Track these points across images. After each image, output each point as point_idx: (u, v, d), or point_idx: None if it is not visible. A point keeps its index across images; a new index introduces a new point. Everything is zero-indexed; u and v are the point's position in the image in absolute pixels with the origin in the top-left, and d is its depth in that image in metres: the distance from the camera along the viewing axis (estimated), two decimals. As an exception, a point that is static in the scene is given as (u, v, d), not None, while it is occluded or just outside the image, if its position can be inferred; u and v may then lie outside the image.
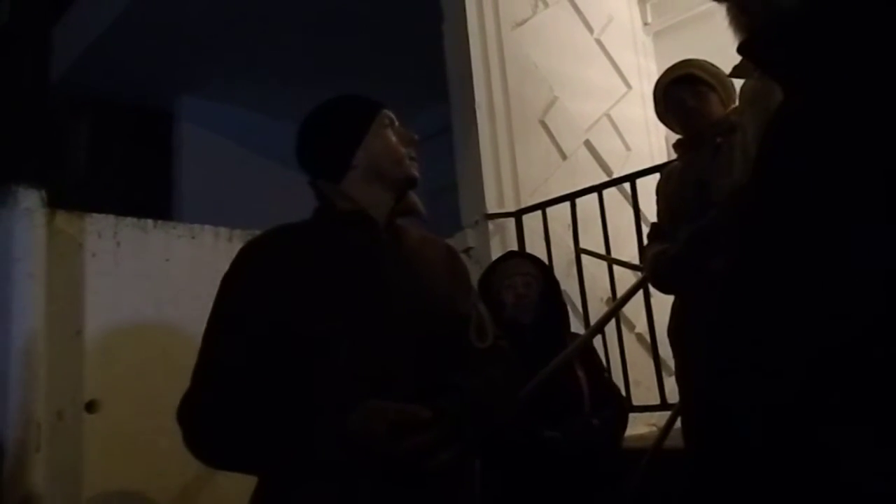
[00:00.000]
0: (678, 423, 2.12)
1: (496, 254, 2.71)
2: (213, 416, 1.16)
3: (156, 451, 2.25)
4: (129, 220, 2.34)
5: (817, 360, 0.63)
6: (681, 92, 1.99)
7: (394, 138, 1.30)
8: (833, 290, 0.61)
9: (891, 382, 0.61)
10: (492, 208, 3.08)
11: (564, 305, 2.22)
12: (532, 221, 3.03)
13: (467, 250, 3.05)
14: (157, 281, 2.35)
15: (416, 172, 1.30)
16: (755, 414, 0.69)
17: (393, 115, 1.34)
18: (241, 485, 1.28)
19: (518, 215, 3.07)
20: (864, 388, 0.62)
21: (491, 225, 3.06)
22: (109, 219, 2.30)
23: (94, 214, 2.28)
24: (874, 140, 0.60)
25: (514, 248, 2.96)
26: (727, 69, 1.91)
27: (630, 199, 2.80)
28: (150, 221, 2.38)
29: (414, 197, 1.33)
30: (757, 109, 1.65)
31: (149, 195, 5.29)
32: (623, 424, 2.06)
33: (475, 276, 2.50)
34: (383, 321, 1.16)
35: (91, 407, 2.16)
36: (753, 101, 1.71)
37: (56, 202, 2.19)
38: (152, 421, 2.27)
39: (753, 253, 0.69)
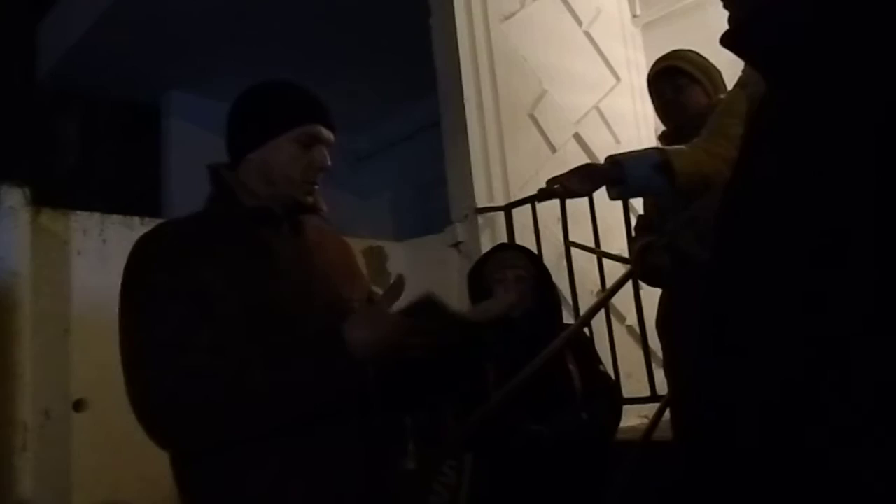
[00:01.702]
0: (667, 415, 2.13)
1: (486, 248, 2.71)
2: (197, 386, 1.04)
3: (146, 450, 2.24)
4: (116, 217, 2.32)
5: (803, 357, 0.63)
6: (661, 84, 1.98)
7: (300, 157, 1.20)
8: (814, 287, 0.61)
9: (878, 376, 0.61)
10: (481, 202, 3.08)
11: (558, 297, 2.22)
12: (522, 215, 3.03)
13: (457, 244, 3.05)
14: (144, 278, 2.33)
15: (307, 199, 1.22)
16: (745, 412, 0.69)
17: (323, 134, 1.22)
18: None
19: (508, 209, 3.06)
20: (853, 382, 0.62)
21: (480, 219, 3.05)
22: (95, 216, 2.28)
23: (80, 212, 2.26)
24: (852, 134, 0.60)
25: (505, 241, 2.95)
26: (717, 60, 1.91)
27: (619, 192, 2.80)
28: (136, 218, 2.37)
29: (318, 200, 1.25)
30: (748, 91, 1.64)
31: (138, 191, 5.25)
32: (616, 417, 2.06)
33: (465, 270, 2.49)
34: (274, 303, 1.14)
35: (78, 406, 2.14)
36: (745, 83, 1.70)
37: (41, 200, 2.17)
38: (129, 428, 2.26)
39: (735, 249, 0.69)
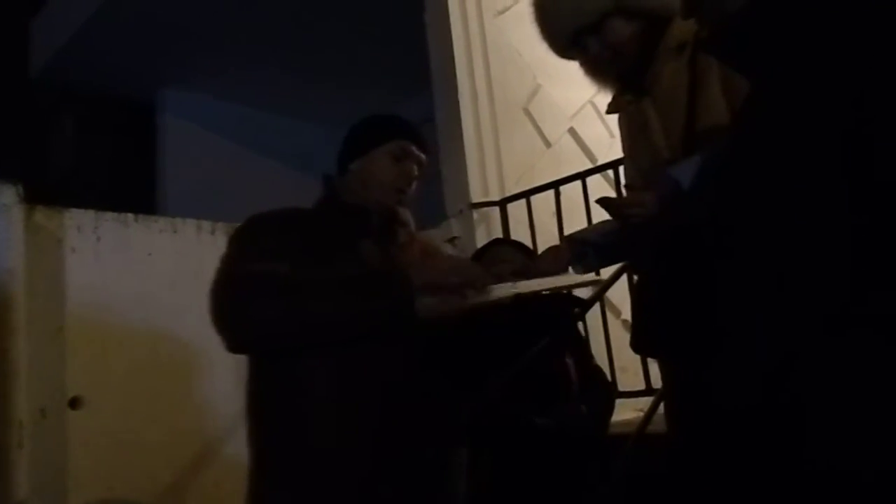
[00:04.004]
0: (662, 408, 2.14)
1: (481, 242, 2.71)
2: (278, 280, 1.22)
3: (142, 448, 2.24)
4: (110, 214, 2.31)
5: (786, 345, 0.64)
6: None
7: (391, 167, 1.42)
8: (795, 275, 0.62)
9: (862, 355, 0.62)
10: (476, 197, 3.08)
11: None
12: (517, 210, 3.03)
13: (452, 240, 3.05)
14: (139, 276, 2.33)
15: (392, 202, 1.42)
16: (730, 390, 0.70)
17: (412, 150, 1.44)
18: (228, 482, 1.28)
19: (503, 204, 3.06)
20: (837, 364, 0.63)
21: (476, 214, 3.05)
22: (89, 214, 2.28)
23: (74, 209, 2.26)
24: (823, 129, 0.62)
25: (500, 236, 2.95)
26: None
27: (614, 186, 2.80)
28: (131, 216, 2.36)
29: (406, 215, 1.48)
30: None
31: (133, 189, 5.24)
32: (610, 410, 2.07)
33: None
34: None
35: (75, 404, 2.14)
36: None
37: (35, 197, 2.17)
38: (138, 417, 2.26)
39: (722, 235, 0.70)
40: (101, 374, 2.20)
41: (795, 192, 0.63)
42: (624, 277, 2.46)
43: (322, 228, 1.37)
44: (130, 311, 2.28)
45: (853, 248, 0.60)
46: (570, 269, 1.69)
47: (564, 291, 1.52)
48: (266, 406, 1.31)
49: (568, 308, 2.12)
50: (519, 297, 1.32)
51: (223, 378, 2.32)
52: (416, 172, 1.44)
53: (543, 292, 1.49)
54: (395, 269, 1.30)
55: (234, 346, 1.26)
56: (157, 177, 5.43)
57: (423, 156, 1.46)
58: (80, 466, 2.10)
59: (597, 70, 1.58)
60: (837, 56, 0.63)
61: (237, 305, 1.23)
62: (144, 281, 2.34)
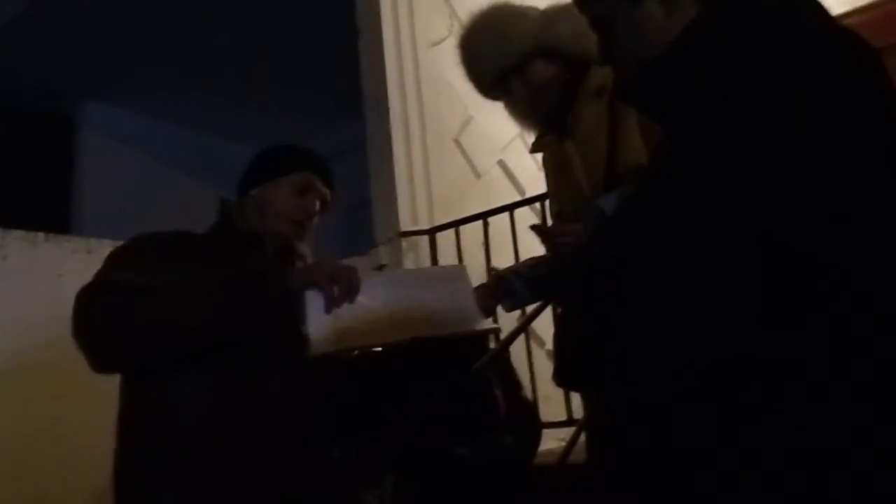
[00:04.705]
0: (583, 438, 2.17)
1: (409, 271, 2.71)
2: (141, 294, 1.16)
3: (42, 476, 2.11)
4: (18, 232, 2.20)
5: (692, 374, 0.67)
6: None
7: (291, 198, 1.39)
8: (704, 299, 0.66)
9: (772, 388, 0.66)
10: (405, 226, 3.08)
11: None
12: (445, 240, 3.05)
13: (380, 267, 3.03)
14: (48, 297, 2.21)
15: (287, 233, 1.39)
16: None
17: (316, 184, 1.41)
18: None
19: (432, 233, 3.08)
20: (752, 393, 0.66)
21: (405, 242, 3.06)
22: (-5, 231, 2.16)
23: (-21, 226, 2.14)
24: (731, 171, 0.67)
25: (428, 265, 2.96)
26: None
27: (541, 219, 2.86)
28: (41, 234, 2.25)
29: (303, 248, 1.44)
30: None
31: (45, 206, 4.98)
32: (536, 442, 2.09)
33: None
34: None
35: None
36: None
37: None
38: (39, 444, 2.13)
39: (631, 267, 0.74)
40: (2, 397, 2.07)
41: (691, 238, 0.66)
42: (549, 309, 2.50)
43: (211, 252, 1.32)
44: (37, 333, 2.16)
45: (747, 290, 0.64)
46: (500, 305, 1.71)
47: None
48: (134, 429, 1.25)
49: (473, 352, 2.12)
50: (416, 341, 1.30)
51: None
52: (316, 207, 1.41)
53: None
54: (270, 268, 1.28)
55: (97, 362, 1.20)
56: (72, 194, 5.18)
57: (326, 191, 1.44)
58: (6, 469, 1.96)
59: (520, 110, 1.63)
60: (737, 117, 0.68)
61: (95, 316, 1.17)
62: (53, 303, 2.22)
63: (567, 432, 2.72)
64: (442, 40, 3.50)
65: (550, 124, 1.62)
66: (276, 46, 4.77)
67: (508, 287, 1.68)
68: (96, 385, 2.28)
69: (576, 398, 2.58)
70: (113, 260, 1.28)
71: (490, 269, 2.95)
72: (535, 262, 1.72)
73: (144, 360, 1.20)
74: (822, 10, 0.79)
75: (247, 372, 1.21)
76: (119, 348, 1.17)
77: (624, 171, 1.40)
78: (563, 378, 1.15)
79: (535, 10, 1.60)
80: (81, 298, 1.19)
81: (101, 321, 1.16)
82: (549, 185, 1.76)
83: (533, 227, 1.51)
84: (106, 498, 1.23)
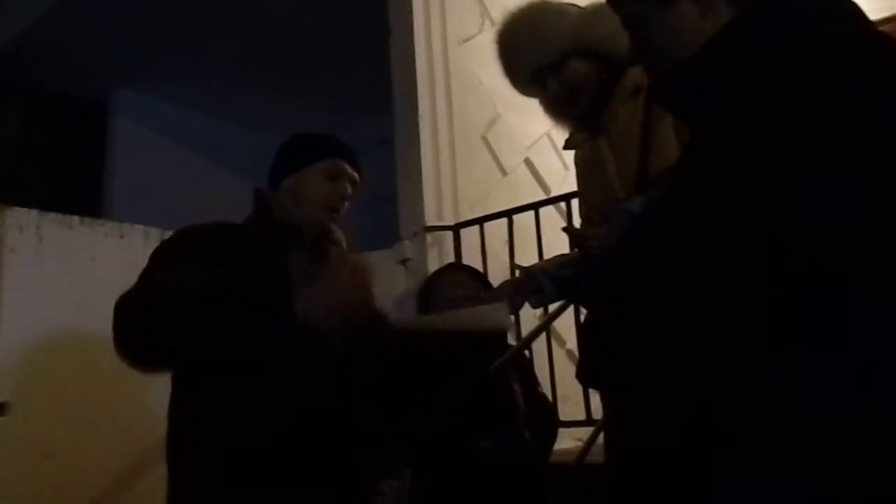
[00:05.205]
0: (601, 439, 2.17)
1: (433, 266, 2.72)
2: (167, 298, 1.22)
3: (70, 457, 2.16)
4: (54, 215, 2.25)
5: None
6: None
7: (324, 185, 1.45)
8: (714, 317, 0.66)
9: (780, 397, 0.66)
10: (430, 221, 3.09)
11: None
12: (470, 235, 3.06)
13: (405, 261, 3.05)
14: (81, 280, 2.26)
15: (324, 219, 1.45)
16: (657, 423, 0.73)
17: (346, 169, 1.47)
18: (161, 492, 1.25)
19: (456, 229, 3.09)
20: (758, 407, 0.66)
21: (429, 237, 3.07)
22: (32, 213, 2.21)
23: (16, 208, 2.19)
24: (753, 178, 0.66)
25: (452, 260, 2.97)
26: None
27: (566, 218, 2.86)
28: (76, 218, 2.30)
29: (338, 233, 1.49)
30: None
31: (79, 190, 5.08)
32: (553, 438, 2.10)
33: (412, 287, 2.50)
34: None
35: (2, 410, 2.06)
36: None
37: (-25, 193, 2.10)
38: (67, 426, 2.18)
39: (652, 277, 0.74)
40: (32, 380, 2.12)
41: (713, 243, 0.66)
42: (571, 308, 2.51)
43: (251, 243, 1.37)
44: (70, 316, 2.21)
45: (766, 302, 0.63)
46: (527, 302, 1.72)
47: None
48: (185, 430, 1.30)
49: (492, 350, 2.13)
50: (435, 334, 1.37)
51: (160, 388, 2.26)
52: (348, 191, 1.47)
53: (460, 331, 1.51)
54: (278, 297, 1.26)
55: (125, 355, 1.25)
56: (104, 179, 5.28)
57: (356, 175, 1.49)
58: (6, 474, 2.01)
59: (555, 108, 1.63)
60: (766, 124, 0.67)
61: (128, 317, 1.24)
62: (86, 286, 2.27)
63: (585, 432, 2.72)
64: (472, 37, 3.51)
65: (585, 122, 1.62)
66: (308, 41, 4.80)
67: (536, 284, 1.68)
68: (123, 369, 2.34)
69: (595, 398, 2.57)
70: (158, 256, 1.34)
71: (514, 267, 2.96)
72: (562, 260, 1.72)
73: (163, 368, 1.32)
74: (861, 15, 0.77)
75: (293, 374, 1.26)
76: (142, 358, 1.28)
77: (657, 174, 1.39)
78: (585, 375, 1.15)
79: (575, 7, 1.60)
80: (118, 306, 1.26)
81: (126, 325, 1.25)
82: (579, 184, 1.75)
83: (565, 230, 1.52)
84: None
